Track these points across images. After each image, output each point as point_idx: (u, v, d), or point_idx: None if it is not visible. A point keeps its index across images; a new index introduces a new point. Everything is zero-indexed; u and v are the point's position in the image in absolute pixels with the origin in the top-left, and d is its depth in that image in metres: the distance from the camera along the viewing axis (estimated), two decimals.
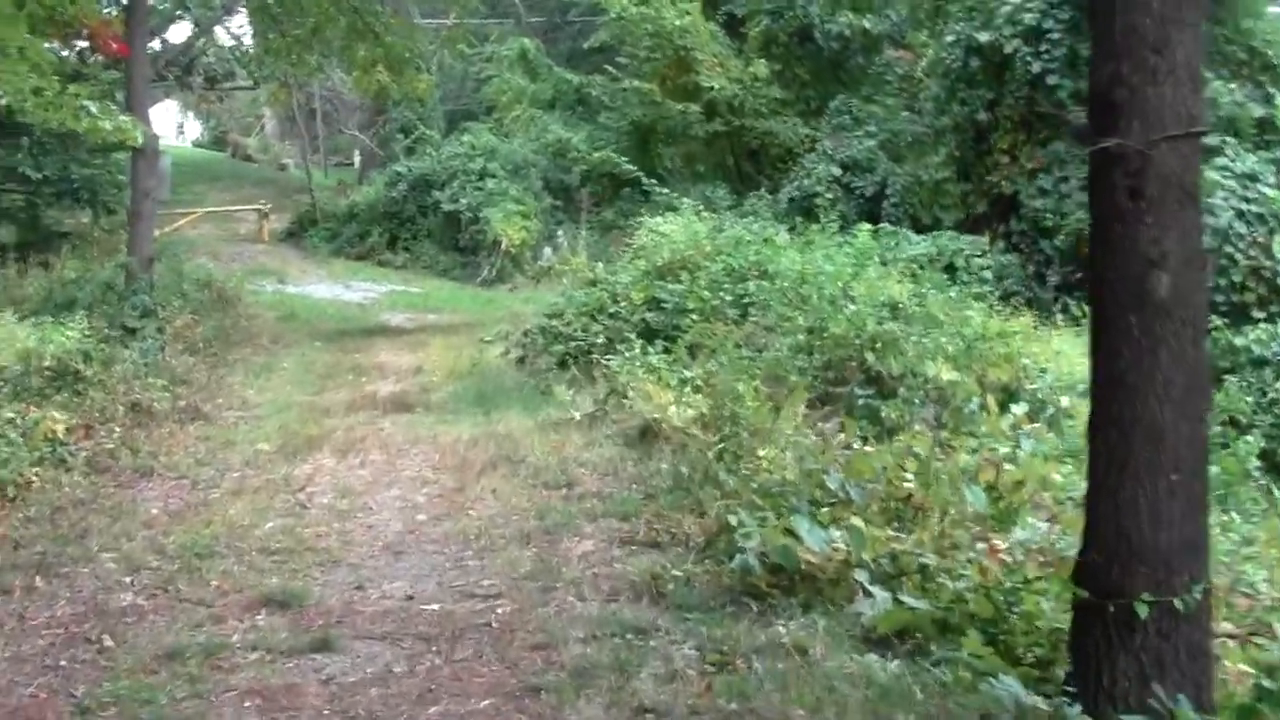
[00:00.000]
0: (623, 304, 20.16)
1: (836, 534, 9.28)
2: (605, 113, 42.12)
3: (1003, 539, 9.47)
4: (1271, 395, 22.68)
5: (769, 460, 11.76)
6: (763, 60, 38.81)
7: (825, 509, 10.01)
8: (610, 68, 41.40)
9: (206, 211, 46.08)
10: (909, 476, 10.57)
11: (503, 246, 36.98)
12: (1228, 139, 27.17)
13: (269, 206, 46.28)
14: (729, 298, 19.18)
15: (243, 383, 20.37)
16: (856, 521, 9.52)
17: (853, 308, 17.00)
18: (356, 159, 58.98)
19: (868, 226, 25.31)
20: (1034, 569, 8.71)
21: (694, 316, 18.51)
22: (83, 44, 32.69)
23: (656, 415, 14.33)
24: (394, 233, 41.91)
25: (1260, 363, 23.67)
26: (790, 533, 9.21)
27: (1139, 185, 6.25)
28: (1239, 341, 23.87)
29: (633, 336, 18.15)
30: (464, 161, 40.82)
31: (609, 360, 17.39)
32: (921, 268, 23.09)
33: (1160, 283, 6.24)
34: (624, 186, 39.38)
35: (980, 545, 9.31)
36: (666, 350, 17.15)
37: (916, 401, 15.00)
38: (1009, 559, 8.98)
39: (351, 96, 52.44)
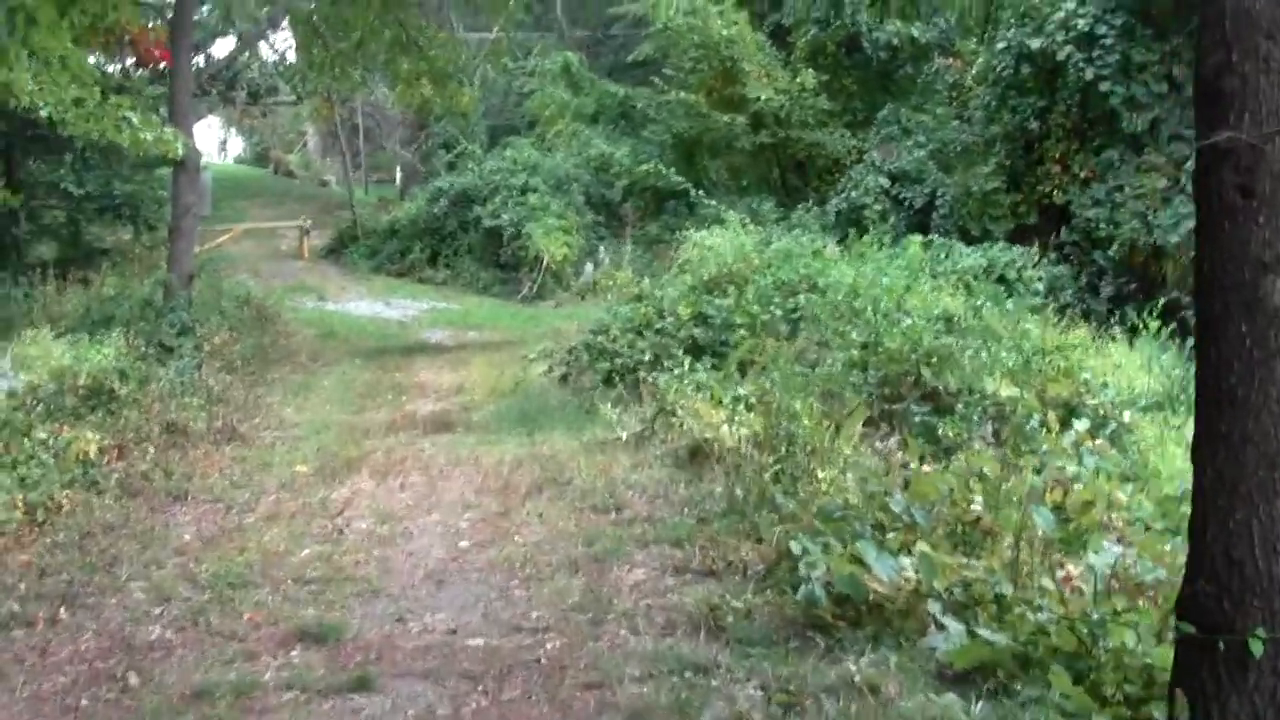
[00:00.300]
0: (669, 319, 19.68)
1: (906, 561, 8.72)
2: (650, 125, 41.87)
3: (1075, 564, 8.91)
4: None
5: (828, 482, 11.22)
6: (810, 70, 38.54)
7: (891, 534, 9.44)
8: (656, 79, 41.10)
9: (247, 228, 46.68)
10: (977, 499, 10.01)
11: (544, 262, 36.81)
12: None
13: (310, 223, 46.33)
14: (779, 312, 18.77)
15: (281, 402, 20.02)
16: (923, 547, 8.98)
17: (908, 321, 16.49)
18: (398, 175, 58.88)
19: (919, 238, 24.84)
20: (1114, 597, 8.15)
21: (743, 332, 18.06)
22: (129, 60, 32.68)
23: (708, 435, 13.80)
24: (435, 249, 41.72)
25: None
26: (857, 560, 8.65)
27: (1250, 183, 5.70)
28: None
29: (680, 353, 17.77)
30: (506, 176, 40.77)
31: (656, 378, 16.86)
32: (977, 278, 22.67)
33: (1274, 288, 5.69)
34: (667, 200, 39.28)
35: (1059, 572, 8.76)
36: (715, 367, 16.73)
37: (975, 418, 14.48)
38: (1084, 586, 8.42)
39: (394, 112, 52.66)
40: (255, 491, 13.63)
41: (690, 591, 9.45)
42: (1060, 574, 8.67)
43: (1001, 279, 25.50)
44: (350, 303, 35.20)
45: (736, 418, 13.79)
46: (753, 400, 14.11)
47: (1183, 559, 8.30)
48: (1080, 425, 12.91)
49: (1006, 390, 14.98)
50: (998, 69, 32.38)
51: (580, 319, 26.23)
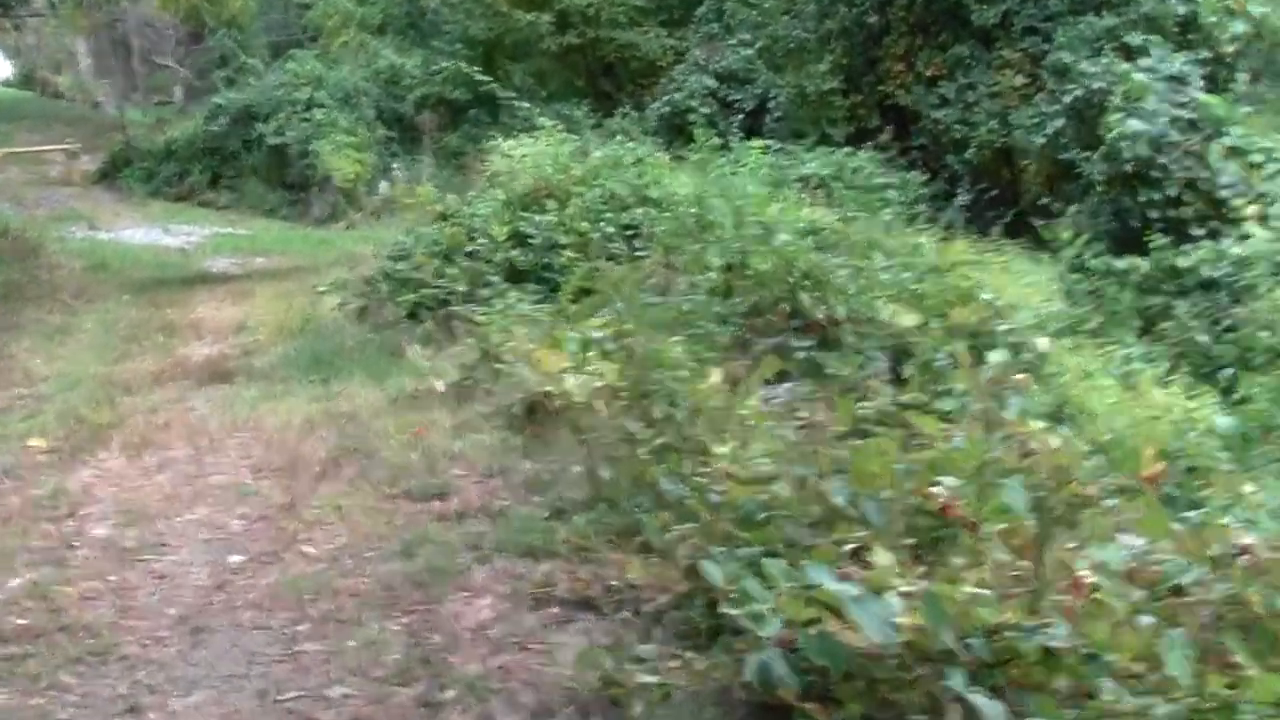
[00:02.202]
0: (482, 241, 17.28)
1: (893, 602, 5.72)
2: (444, 28, 40.31)
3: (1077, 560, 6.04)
4: (1227, 322, 20.40)
5: (730, 458, 8.23)
6: None
7: (848, 544, 6.47)
8: None
9: (9, 152, 44.51)
10: (946, 480, 7.10)
11: (334, 182, 35.36)
12: (1150, 38, 24.99)
13: (78, 146, 44.53)
14: (611, 229, 16.58)
15: (29, 350, 17.26)
16: (883, 556, 6.12)
17: (782, 238, 13.88)
18: (178, 94, 56.22)
19: (758, 143, 22.67)
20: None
21: (569, 253, 15.89)
22: None
23: (548, 387, 10.94)
24: (216, 170, 40.38)
25: (1209, 285, 21.26)
26: (821, 603, 5.64)
27: None
28: (1182, 263, 21.45)
29: (498, 280, 15.50)
30: (289, 91, 39.39)
31: (473, 311, 14.20)
32: (849, 187, 20.67)
33: None
34: (466, 110, 37.99)
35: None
36: (543, 298, 14.41)
37: (872, 353, 11.98)
38: (1107, 596, 5.55)
39: (165, 26, 50.15)
40: None
41: (564, 641, 6.34)
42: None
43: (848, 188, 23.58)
44: (125, 230, 33.09)
45: (588, 366, 10.91)
46: (609, 345, 11.17)
47: (1217, 547, 5.73)
48: (996, 357, 10.37)
49: (906, 318, 12.47)
50: None
51: (377, 242, 24.09)
